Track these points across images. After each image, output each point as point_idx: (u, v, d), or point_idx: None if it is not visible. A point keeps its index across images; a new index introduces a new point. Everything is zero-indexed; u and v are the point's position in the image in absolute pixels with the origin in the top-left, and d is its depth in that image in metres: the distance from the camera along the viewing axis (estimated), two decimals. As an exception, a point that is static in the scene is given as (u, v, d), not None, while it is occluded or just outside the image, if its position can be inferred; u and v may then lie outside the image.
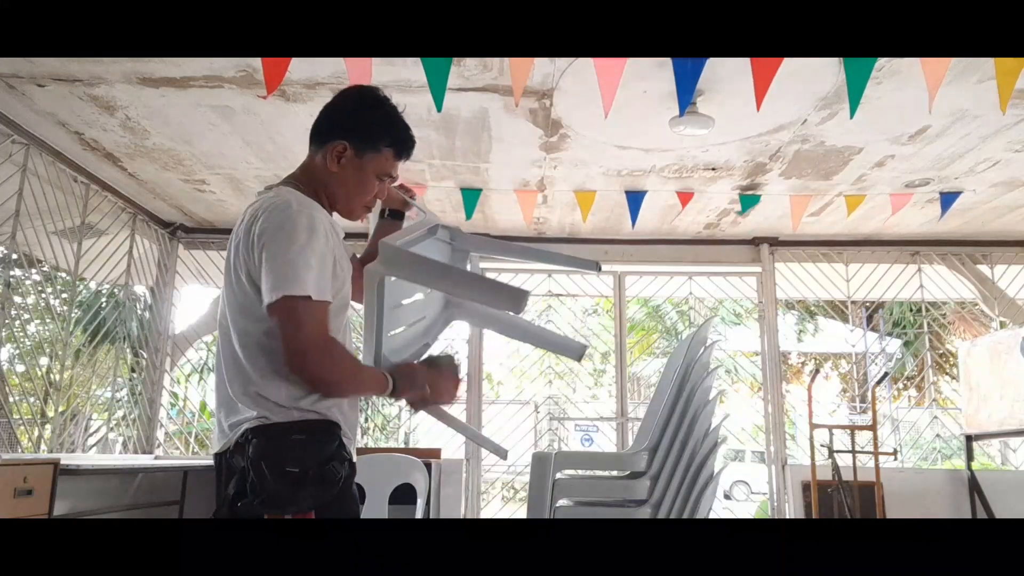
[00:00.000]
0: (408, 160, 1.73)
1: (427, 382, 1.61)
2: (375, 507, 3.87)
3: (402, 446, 7.35)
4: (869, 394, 5.43)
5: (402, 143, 1.68)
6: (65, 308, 4.29)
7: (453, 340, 5.26)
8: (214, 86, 3.19)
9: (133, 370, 5.03)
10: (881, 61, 2.83)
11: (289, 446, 1.45)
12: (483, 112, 3.41)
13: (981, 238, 5.17)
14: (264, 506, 1.42)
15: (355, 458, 1.63)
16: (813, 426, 4.60)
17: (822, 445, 4.92)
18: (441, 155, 3.92)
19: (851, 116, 2.81)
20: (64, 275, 4.28)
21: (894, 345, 11.63)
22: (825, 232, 5.12)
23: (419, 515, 4.00)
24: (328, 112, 1.68)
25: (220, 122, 3.55)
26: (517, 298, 1.48)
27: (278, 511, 1.42)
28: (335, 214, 1.67)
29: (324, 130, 1.65)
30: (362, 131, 1.62)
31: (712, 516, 3.34)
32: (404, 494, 4.06)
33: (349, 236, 1.72)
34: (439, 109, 2.83)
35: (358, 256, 1.86)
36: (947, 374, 12.59)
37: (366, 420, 13.39)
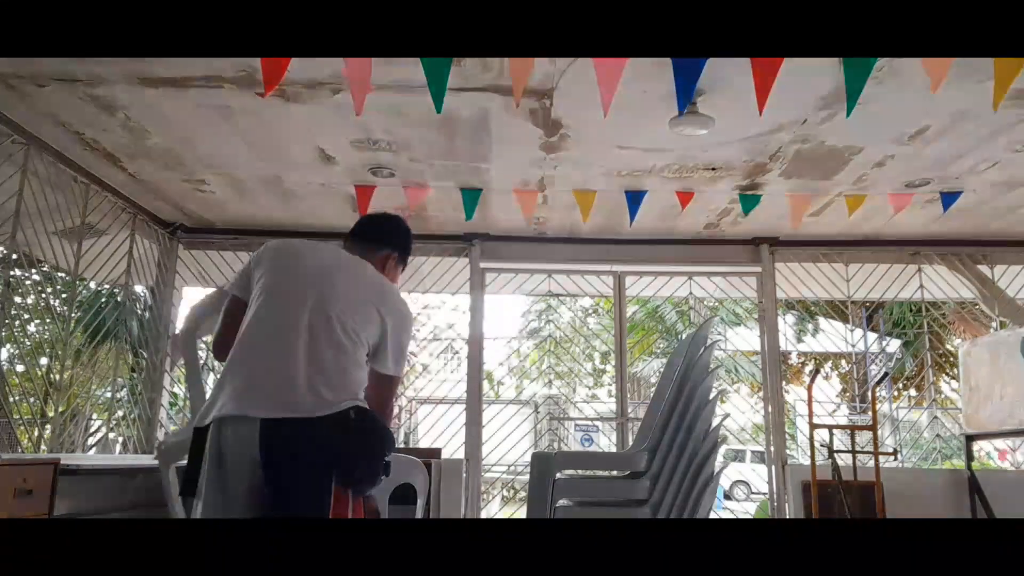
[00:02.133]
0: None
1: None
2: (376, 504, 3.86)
3: (402, 446, 7.34)
4: (869, 394, 5.42)
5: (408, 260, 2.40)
6: (65, 308, 4.29)
7: (454, 340, 5.26)
8: (214, 86, 3.19)
9: (133, 370, 5.03)
10: (881, 61, 2.83)
11: (384, 438, 1.95)
12: (483, 112, 3.41)
13: (981, 238, 5.16)
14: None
15: None
16: (813, 426, 4.60)
17: (822, 445, 4.92)
18: (441, 155, 3.92)
19: (847, 116, 2.81)
20: (64, 275, 4.28)
21: (894, 345, 11.63)
22: (825, 232, 5.12)
23: (419, 515, 3.99)
24: (390, 224, 2.36)
25: (220, 122, 3.55)
26: None
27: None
28: None
29: (384, 236, 2.31)
30: (406, 249, 2.35)
31: (712, 516, 3.34)
32: (404, 494, 4.05)
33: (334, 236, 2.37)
34: (439, 110, 2.83)
35: None
36: (947, 374, 12.60)
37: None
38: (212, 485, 1.80)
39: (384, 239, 2.29)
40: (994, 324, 5.39)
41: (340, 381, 1.89)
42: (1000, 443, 10.58)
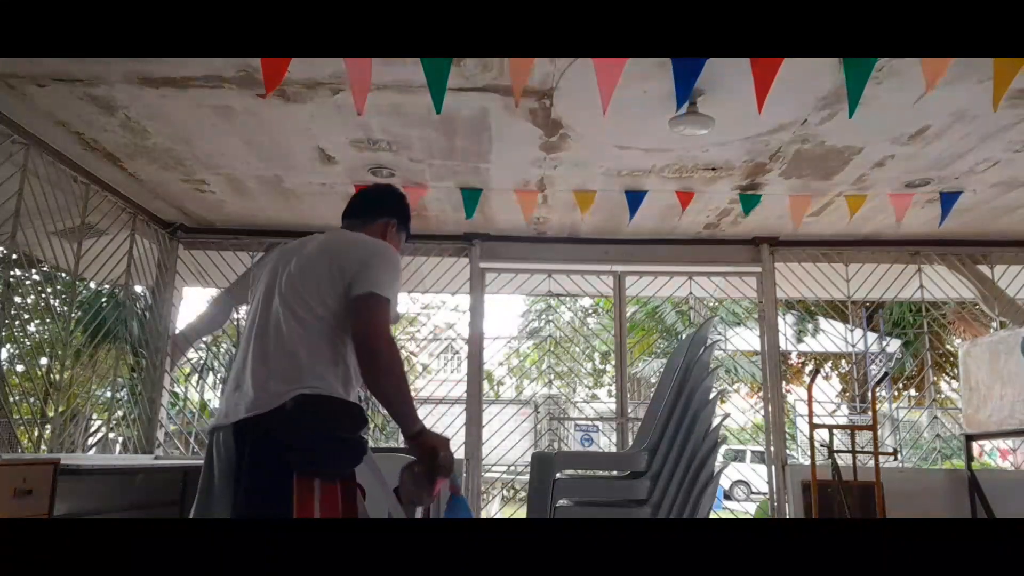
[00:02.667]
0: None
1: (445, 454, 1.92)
2: (375, 506, 3.86)
3: (402, 446, 7.32)
4: (869, 394, 5.42)
5: (410, 234, 2.31)
6: (65, 308, 4.29)
7: (454, 340, 5.27)
8: (214, 86, 3.19)
9: (133, 370, 5.03)
10: (881, 61, 2.83)
11: (339, 416, 1.82)
12: (483, 112, 3.41)
13: (981, 238, 5.16)
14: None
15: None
16: (813, 426, 4.60)
17: (822, 445, 4.92)
18: (441, 155, 3.92)
19: (850, 116, 2.81)
20: (64, 275, 4.28)
21: (894, 345, 11.63)
22: (825, 232, 5.12)
23: (418, 515, 3.98)
24: (382, 194, 2.27)
25: (220, 122, 3.55)
26: None
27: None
28: None
29: (379, 205, 2.22)
30: (405, 216, 2.26)
31: (712, 516, 3.34)
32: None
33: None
34: (439, 111, 2.84)
35: None
36: (947, 374, 12.59)
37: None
38: (200, 492, 1.84)
39: (377, 209, 2.21)
40: (994, 324, 5.39)
41: (288, 368, 1.81)
42: (1002, 442, 10.59)
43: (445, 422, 5.39)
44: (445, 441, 1.94)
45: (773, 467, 5.00)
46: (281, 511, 1.67)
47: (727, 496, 13.42)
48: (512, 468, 6.03)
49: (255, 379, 1.81)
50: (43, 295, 5.09)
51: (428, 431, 1.91)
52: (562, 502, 3.15)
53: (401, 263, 2.02)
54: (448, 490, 1.96)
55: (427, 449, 1.90)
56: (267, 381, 1.79)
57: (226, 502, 1.76)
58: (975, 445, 9.23)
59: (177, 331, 5.30)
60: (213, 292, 5.92)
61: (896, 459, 5.19)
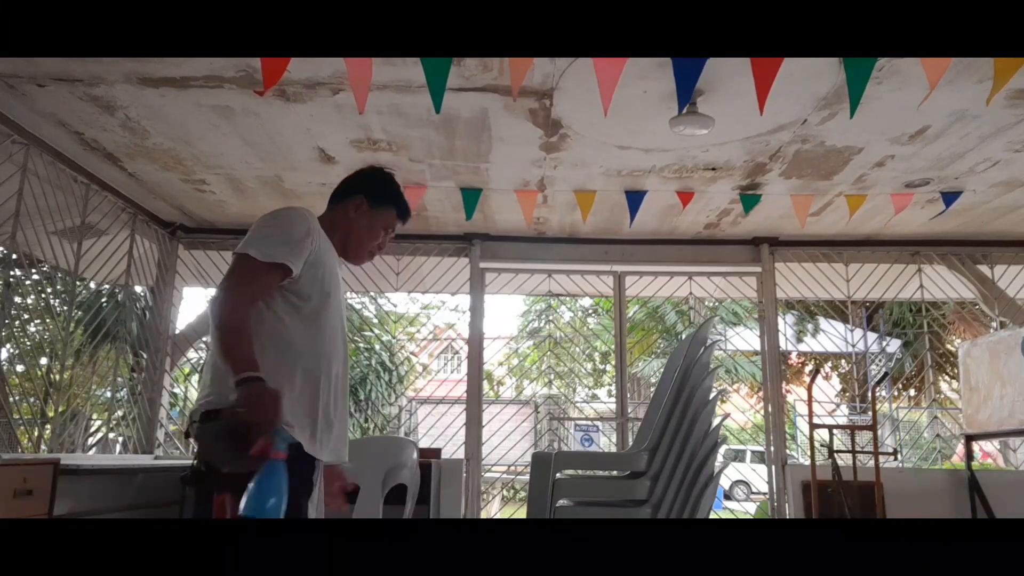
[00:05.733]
0: (404, 224, 2.17)
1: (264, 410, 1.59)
2: (368, 492, 3.84)
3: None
4: (869, 394, 5.42)
5: (404, 207, 2.14)
6: (65, 308, 4.29)
7: (454, 340, 5.27)
8: (214, 86, 3.19)
9: (133, 370, 5.03)
10: (881, 61, 2.83)
11: (219, 430, 1.64)
12: (483, 112, 3.41)
13: (981, 238, 5.16)
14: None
15: (319, 456, 1.77)
16: (813, 426, 4.60)
17: (822, 445, 4.92)
18: (441, 155, 3.92)
19: (851, 116, 2.81)
20: (64, 275, 4.28)
21: (894, 345, 11.63)
22: (825, 232, 5.12)
23: (407, 512, 3.97)
24: (349, 179, 2.13)
25: (220, 122, 3.55)
26: None
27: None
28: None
29: (344, 190, 2.09)
30: (377, 191, 2.09)
31: (712, 516, 3.34)
32: (402, 495, 4.05)
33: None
34: (438, 111, 2.83)
35: None
36: (947, 374, 12.59)
37: (366, 420, 13.39)
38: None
39: (347, 189, 2.09)
40: (994, 324, 5.39)
41: (207, 377, 1.75)
42: (987, 444, 10.58)
43: (445, 422, 5.39)
44: (258, 395, 1.59)
45: (773, 467, 5.00)
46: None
47: (727, 496, 13.42)
48: (512, 468, 6.03)
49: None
50: (43, 295, 5.09)
51: (247, 384, 1.59)
52: (562, 502, 3.15)
53: (299, 215, 1.85)
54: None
55: (240, 405, 1.60)
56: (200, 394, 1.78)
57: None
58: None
59: (177, 331, 5.30)
60: (213, 292, 5.91)
61: (896, 459, 5.20)
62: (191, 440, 1.72)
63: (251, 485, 1.51)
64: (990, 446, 11.40)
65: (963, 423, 4.90)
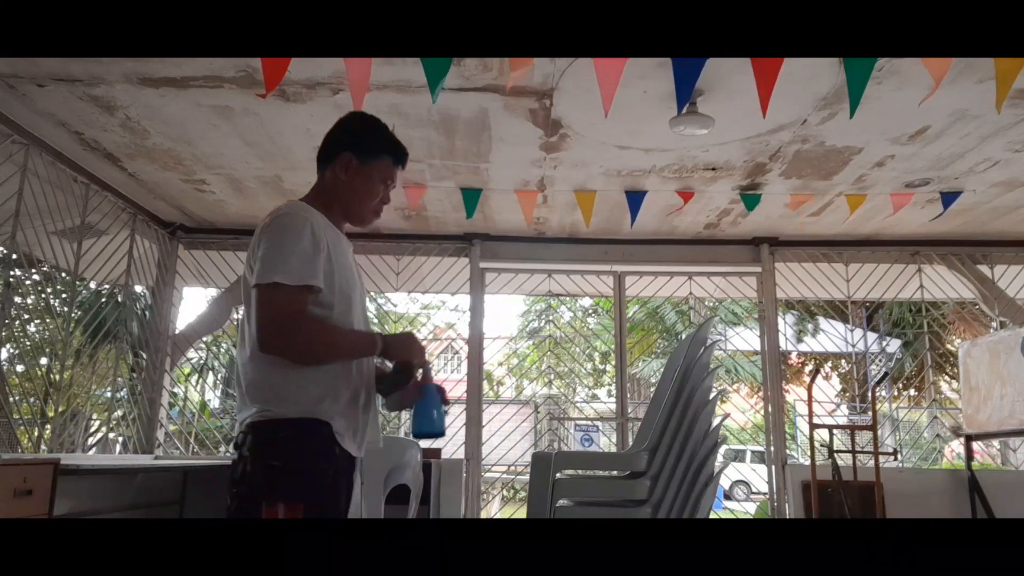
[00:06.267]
0: (404, 168, 1.98)
1: (418, 350, 1.82)
2: (370, 492, 3.83)
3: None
4: (869, 394, 5.43)
5: (398, 150, 1.93)
6: (65, 308, 4.29)
7: (454, 340, 5.27)
8: (214, 86, 3.19)
9: (133, 370, 5.03)
10: (881, 61, 2.83)
11: (276, 442, 1.62)
12: (483, 112, 3.41)
13: (981, 238, 5.17)
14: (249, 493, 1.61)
15: (359, 455, 1.79)
16: (813, 426, 4.60)
17: (822, 445, 4.93)
18: (441, 155, 3.92)
19: (851, 116, 2.81)
20: (64, 275, 4.28)
21: (894, 345, 11.63)
22: (825, 232, 5.12)
23: (411, 513, 3.97)
24: (330, 135, 1.93)
25: (220, 122, 3.55)
26: None
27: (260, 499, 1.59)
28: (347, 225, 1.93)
29: (329, 149, 1.90)
30: (364, 143, 1.89)
31: (712, 516, 3.34)
32: (403, 496, 4.05)
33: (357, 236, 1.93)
34: (434, 101, 2.80)
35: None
36: (947, 374, 12.59)
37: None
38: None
39: (331, 147, 1.89)
40: (994, 324, 5.39)
41: (242, 389, 1.70)
42: (977, 443, 10.55)
43: (446, 422, 5.38)
44: (406, 342, 1.81)
45: (773, 467, 5.00)
46: None
47: (727, 496, 13.42)
48: (512, 468, 6.03)
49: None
50: (43, 295, 5.09)
51: (388, 344, 1.76)
52: (562, 502, 3.15)
53: (304, 223, 1.68)
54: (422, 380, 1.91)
55: (396, 358, 1.81)
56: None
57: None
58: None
59: (177, 331, 5.30)
60: (213, 292, 5.92)
61: (896, 459, 5.20)
62: (239, 451, 1.66)
63: (416, 407, 1.86)
64: (979, 445, 11.40)
65: (963, 423, 4.90)
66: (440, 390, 1.90)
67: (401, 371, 1.82)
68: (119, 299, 4.89)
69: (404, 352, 1.79)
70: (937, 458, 6.28)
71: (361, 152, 1.87)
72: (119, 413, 4.90)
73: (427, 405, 1.86)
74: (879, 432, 4.55)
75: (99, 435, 5.73)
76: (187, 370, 6.77)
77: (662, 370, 3.99)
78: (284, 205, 1.77)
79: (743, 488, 14.32)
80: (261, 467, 1.60)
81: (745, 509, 12.66)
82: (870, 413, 4.69)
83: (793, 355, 15.18)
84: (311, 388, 1.65)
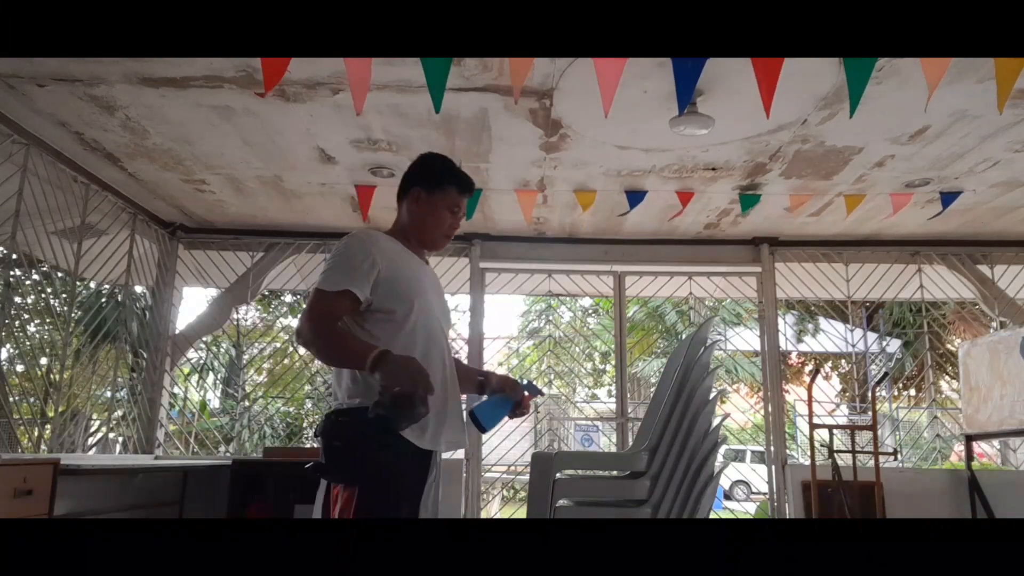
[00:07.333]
0: (470, 196, 2.23)
1: (412, 377, 1.76)
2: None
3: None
4: (869, 394, 5.43)
5: (462, 180, 2.18)
6: (65, 308, 4.29)
7: (454, 340, 5.26)
8: (214, 86, 3.19)
9: (133, 370, 5.03)
10: (881, 61, 2.83)
11: (337, 426, 1.87)
12: (483, 112, 3.41)
13: (981, 238, 5.17)
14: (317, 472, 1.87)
15: (433, 448, 1.94)
16: (813, 426, 4.60)
17: (822, 445, 4.92)
18: (441, 155, 3.92)
19: (851, 116, 2.81)
20: (64, 275, 4.28)
21: (894, 345, 11.63)
22: (825, 232, 5.12)
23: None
24: (404, 174, 2.18)
25: (220, 122, 3.55)
26: None
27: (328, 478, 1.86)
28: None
29: (403, 185, 2.15)
30: (430, 177, 2.13)
31: (712, 516, 3.34)
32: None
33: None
34: (437, 110, 2.83)
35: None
36: (947, 374, 12.59)
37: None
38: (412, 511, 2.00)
39: (404, 185, 2.16)
40: (994, 324, 5.39)
41: (335, 386, 1.98)
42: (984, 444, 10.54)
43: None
44: (399, 367, 1.74)
45: (773, 467, 5.00)
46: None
47: (727, 496, 13.42)
48: (512, 468, 6.03)
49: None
50: (43, 295, 5.09)
51: (381, 366, 1.74)
52: (562, 502, 3.15)
53: (359, 243, 1.94)
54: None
55: (384, 382, 1.77)
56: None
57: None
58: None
59: (178, 331, 5.30)
60: (213, 292, 5.92)
61: (896, 459, 5.20)
62: (319, 438, 1.90)
63: (492, 402, 2.17)
64: (986, 446, 11.39)
65: (963, 423, 4.90)
66: (519, 407, 2.18)
67: (393, 398, 1.70)
68: (119, 299, 4.89)
69: (394, 379, 1.72)
70: (938, 459, 6.28)
71: (427, 185, 2.11)
72: (119, 413, 4.90)
73: (500, 410, 2.13)
74: (879, 432, 4.55)
75: (99, 435, 5.73)
76: (187, 370, 6.76)
77: (662, 370, 3.99)
78: (355, 229, 2.04)
79: (743, 488, 14.32)
80: (326, 448, 1.86)
81: (745, 509, 12.66)
82: (870, 413, 4.68)
83: (793, 355, 15.19)
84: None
